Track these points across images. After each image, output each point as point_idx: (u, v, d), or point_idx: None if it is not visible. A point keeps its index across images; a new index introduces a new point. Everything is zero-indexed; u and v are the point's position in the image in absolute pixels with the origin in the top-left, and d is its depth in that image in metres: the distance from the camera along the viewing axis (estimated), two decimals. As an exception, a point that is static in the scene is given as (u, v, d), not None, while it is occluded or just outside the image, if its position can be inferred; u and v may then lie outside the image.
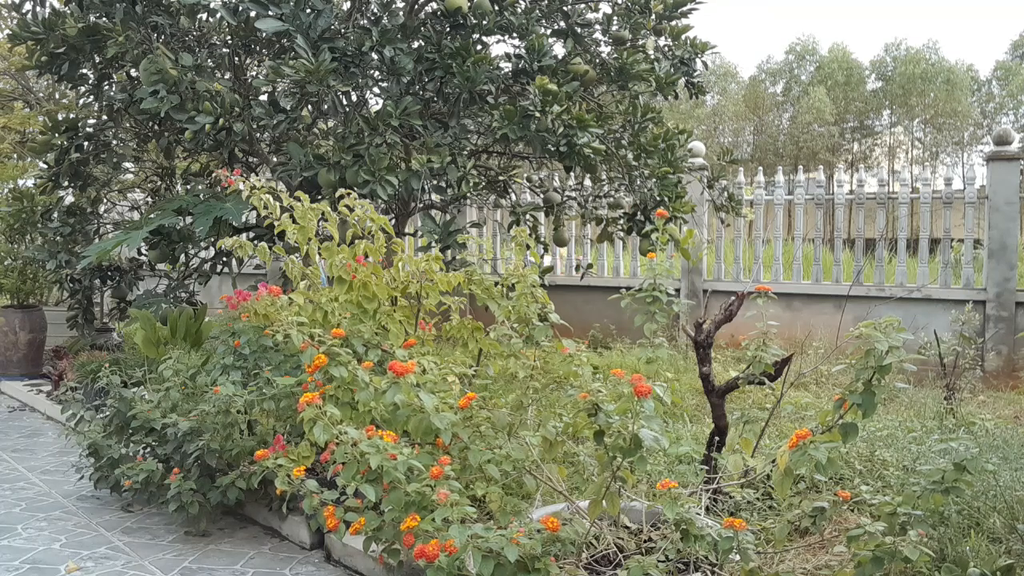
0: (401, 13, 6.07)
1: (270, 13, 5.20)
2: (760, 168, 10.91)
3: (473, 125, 6.22)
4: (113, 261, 7.76)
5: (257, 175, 5.12)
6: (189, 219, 6.36)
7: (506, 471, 3.19)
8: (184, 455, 4.28)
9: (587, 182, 7.55)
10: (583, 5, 6.39)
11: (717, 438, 3.97)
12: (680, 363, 7.37)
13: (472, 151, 6.57)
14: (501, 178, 7.39)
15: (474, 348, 4.50)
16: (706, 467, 3.95)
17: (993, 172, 7.91)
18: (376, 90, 6.22)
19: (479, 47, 5.78)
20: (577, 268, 9.35)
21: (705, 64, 6.64)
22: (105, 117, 7.06)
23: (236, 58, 6.45)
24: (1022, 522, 3.43)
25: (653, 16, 6.33)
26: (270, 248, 4.76)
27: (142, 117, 6.52)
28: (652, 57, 6.23)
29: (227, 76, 6.43)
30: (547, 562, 2.72)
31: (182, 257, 7.00)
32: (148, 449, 4.59)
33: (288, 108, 5.45)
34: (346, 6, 6.10)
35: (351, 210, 4.39)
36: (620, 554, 3.11)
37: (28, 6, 6.22)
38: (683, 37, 6.43)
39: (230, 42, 6.31)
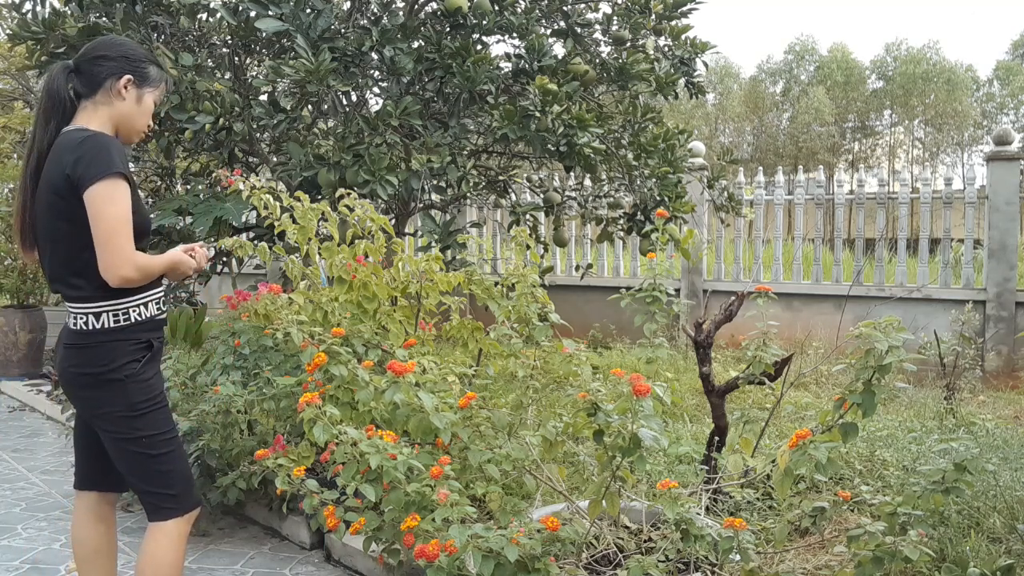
0: (401, 13, 6.06)
1: (270, 13, 5.19)
2: (760, 168, 10.91)
3: (473, 125, 6.22)
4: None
5: (257, 175, 5.11)
6: (189, 219, 6.36)
7: (506, 471, 3.19)
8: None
9: (587, 182, 7.55)
10: (583, 5, 6.38)
11: (717, 438, 3.97)
12: (680, 363, 7.38)
13: (472, 151, 6.56)
14: (501, 178, 7.39)
15: (474, 348, 4.50)
16: (706, 467, 3.95)
17: (993, 172, 7.91)
18: (376, 90, 6.21)
19: (479, 47, 5.78)
20: (577, 268, 9.35)
21: (705, 64, 6.64)
22: (105, 117, 7.03)
23: (236, 58, 6.45)
24: (1022, 522, 3.43)
25: (653, 16, 6.32)
26: (270, 248, 4.75)
27: (142, 117, 6.49)
28: (652, 57, 6.22)
29: (227, 76, 6.43)
30: (547, 562, 2.72)
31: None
32: (148, 449, 4.59)
33: (288, 108, 5.44)
34: (346, 6, 6.10)
35: (351, 210, 4.38)
36: (620, 554, 3.11)
37: (28, 6, 6.20)
38: (683, 37, 6.43)
39: (230, 42, 6.30)
